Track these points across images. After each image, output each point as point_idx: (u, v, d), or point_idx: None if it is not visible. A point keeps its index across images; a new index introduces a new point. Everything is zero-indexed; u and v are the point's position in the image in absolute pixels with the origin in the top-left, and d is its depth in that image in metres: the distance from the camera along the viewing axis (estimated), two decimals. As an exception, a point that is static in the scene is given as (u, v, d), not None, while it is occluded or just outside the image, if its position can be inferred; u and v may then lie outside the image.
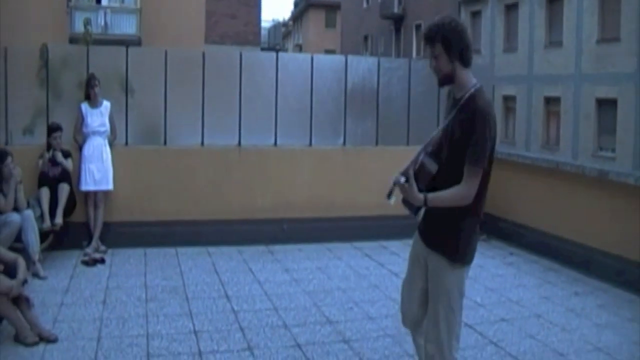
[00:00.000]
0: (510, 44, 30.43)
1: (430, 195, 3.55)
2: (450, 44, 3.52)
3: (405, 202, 3.65)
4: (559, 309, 6.51)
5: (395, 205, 3.66)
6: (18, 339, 5.38)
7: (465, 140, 3.49)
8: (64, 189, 7.80)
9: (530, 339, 5.70)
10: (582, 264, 7.71)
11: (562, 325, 6.07)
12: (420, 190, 3.56)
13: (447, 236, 3.65)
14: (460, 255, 3.68)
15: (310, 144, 9.22)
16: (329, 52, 47.89)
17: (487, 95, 3.58)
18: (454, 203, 3.54)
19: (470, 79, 3.60)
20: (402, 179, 3.58)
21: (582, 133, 23.87)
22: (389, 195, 3.60)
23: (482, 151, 3.46)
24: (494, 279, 7.46)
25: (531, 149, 24.58)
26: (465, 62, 3.58)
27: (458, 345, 3.77)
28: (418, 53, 39.76)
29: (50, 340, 5.41)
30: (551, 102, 26.58)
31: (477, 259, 8.31)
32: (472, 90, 3.57)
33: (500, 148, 9.20)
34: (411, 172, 3.58)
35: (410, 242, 4.05)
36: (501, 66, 27.97)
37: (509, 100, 29.21)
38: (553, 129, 26.44)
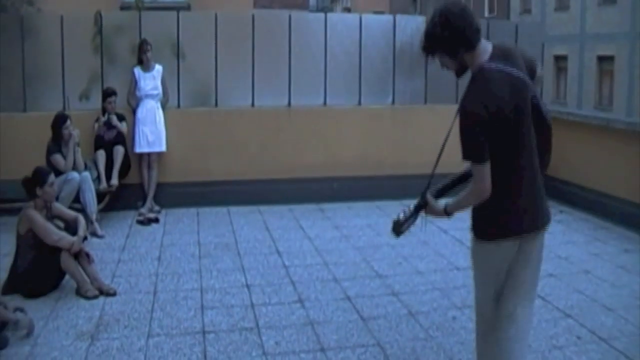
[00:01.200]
0: (561, 2, 29.70)
1: (450, 203, 3.48)
2: (447, 47, 3.31)
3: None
4: (608, 266, 6.49)
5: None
6: (79, 293, 5.63)
7: None
8: (119, 151, 8.02)
9: (578, 294, 5.71)
10: (633, 222, 7.63)
11: (611, 281, 6.05)
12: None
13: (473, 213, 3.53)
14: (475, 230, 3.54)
15: (360, 103, 9.27)
16: (377, 13, 47.33)
17: (486, 74, 3.26)
18: (472, 202, 3.40)
19: (477, 59, 3.32)
20: (401, 215, 3.60)
21: (637, 92, 23.34)
22: (397, 231, 3.64)
23: (464, 146, 3.24)
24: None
25: (583, 109, 24.13)
26: (469, 46, 3.29)
27: (479, 318, 3.68)
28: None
29: (109, 293, 5.64)
30: (604, 61, 26.02)
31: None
32: (471, 75, 3.36)
33: (552, 107, 9.10)
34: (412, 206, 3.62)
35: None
36: (552, 25, 27.41)
37: (560, 60, 28.66)
38: (606, 89, 25.91)
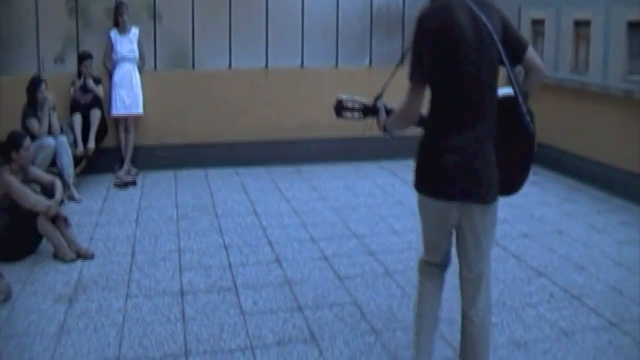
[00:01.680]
0: (539, -36, 29.57)
1: (389, 119, 3.38)
2: None
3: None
4: (581, 226, 6.59)
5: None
6: (57, 256, 5.63)
7: None
8: (95, 115, 7.97)
9: (552, 253, 5.81)
10: (606, 183, 7.74)
11: (584, 240, 6.16)
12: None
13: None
14: (415, 180, 3.35)
15: (337, 64, 9.26)
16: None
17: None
18: (400, 123, 3.30)
19: None
20: (350, 101, 3.49)
21: (612, 56, 23.38)
22: (338, 112, 3.54)
23: (410, 62, 3.14)
24: (517, 197, 7.38)
25: (559, 72, 24.21)
26: None
27: (424, 255, 3.49)
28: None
29: (87, 257, 5.65)
30: (580, 25, 26.00)
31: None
32: None
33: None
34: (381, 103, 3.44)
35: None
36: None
37: (537, 23, 28.59)
38: (582, 52, 25.96)
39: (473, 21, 3.08)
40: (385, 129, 3.39)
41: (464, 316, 3.41)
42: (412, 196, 6.81)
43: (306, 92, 9.05)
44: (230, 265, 5.50)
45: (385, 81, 3.46)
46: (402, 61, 3.39)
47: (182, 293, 4.95)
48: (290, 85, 9.02)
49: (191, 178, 8.31)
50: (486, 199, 3.20)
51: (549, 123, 8.80)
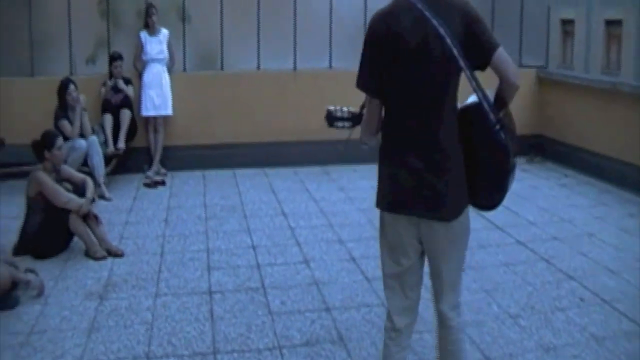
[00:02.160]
0: (569, -38, 29.32)
1: None
2: None
3: None
4: (612, 229, 6.51)
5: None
6: (88, 254, 5.71)
7: None
8: (126, 115, 8.07)
9: (582, 257, 5.75)
10: (638, 186, 7.65)
11: (615, 244, 6.08)
12: None
13: None
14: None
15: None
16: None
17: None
18: (364, 132, 3.16)
19: None
20: (338, 111, 3.42)
21: (645, 57, 23.20)
22: (329, 122, 3.43)
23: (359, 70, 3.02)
24: (547, 199, 7.50)
25: (590, 73, 24.00)
26: None
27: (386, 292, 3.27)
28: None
29: (117, 255, 5.73)
30: (611, 25, 25.76)
31: (531, 180, 8.35)
32: None
33: (558, 71, 9.04)
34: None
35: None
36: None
37: (567, 23, 28.39)
38: (613, 53, 25.72)
39: (421, 25, 2.82)
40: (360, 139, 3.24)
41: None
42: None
43: (333, 94, 8.97)
44: (258, 265, 5.53)
45: None
46: None
47: (210, 292, 4.99)
48: (318, 86, 9.01)
49: (219, 178, 8.36)
50: (446, 216, 2.97)
51: (580, 124, 8.75)
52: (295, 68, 9.04)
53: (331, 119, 3.44)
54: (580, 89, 8.86)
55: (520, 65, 9.27)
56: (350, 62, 9.10)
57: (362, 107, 3.21)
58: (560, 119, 9.22)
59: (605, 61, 25.60)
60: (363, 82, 3.00)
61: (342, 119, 3.43)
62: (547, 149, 9.38)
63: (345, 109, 3.42)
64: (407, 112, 2.95)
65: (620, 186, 7.91)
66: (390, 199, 3.07)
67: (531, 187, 7.94)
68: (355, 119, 3.37)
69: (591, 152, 8.56)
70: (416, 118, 2.92)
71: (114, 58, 8.19)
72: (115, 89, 8.14)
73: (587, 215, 6.98)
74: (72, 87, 7.42)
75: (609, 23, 25.66)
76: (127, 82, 8.24)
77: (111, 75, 8.19)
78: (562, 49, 27.97)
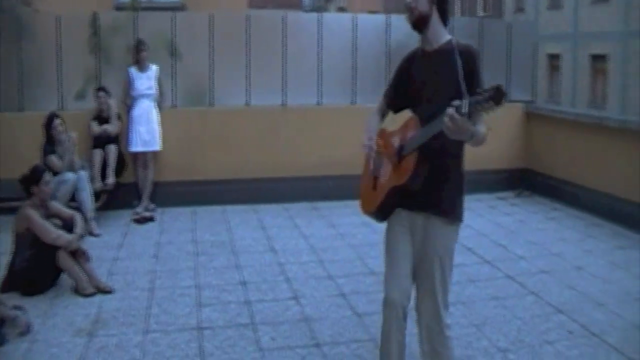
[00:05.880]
0: (555, 0, 29.75)
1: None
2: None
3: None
4: (601, 262, 6.54)
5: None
6: (77, 290, 5.67)
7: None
8: (111, 150, 8.06)
9: (570, 290, 5.77)
10: (627, 219, 7.68)
11: (604, 277, 6.10)
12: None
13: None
14: (459, 212, 3.54)
15: (354, 102, 9.33)
16: (372, 13, 47.21)
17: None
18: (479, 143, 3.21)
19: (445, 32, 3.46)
20: (460, 105, 2.95)
21: (630, 90, 23.46)
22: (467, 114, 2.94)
23: None
24: (535, 233, 7.52)
25: (576, 107, 24.25)
26: (443, 15, 3.44)
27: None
28: (463, 13, 39.18)
29: (106, 291, 5.69)
30: (597, 59, 26.10)
31: (520, 214, 8.37)
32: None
33: (545, 105, 9.09)
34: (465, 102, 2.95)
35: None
36: (546, 24, 27.51)
37: (553, 58, 28.76)
38: (599, 87, 26.03)
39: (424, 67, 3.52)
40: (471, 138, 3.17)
41: None
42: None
43: (323, 130, 9.11)
44: (248, 301, 5.51)
45: (402, 119, 3.66)
46: None
47: (200, 329, 4.96)
48: (308, 123, 9.08)
49: (209, 214, 8.35)
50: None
51: (568, 158, 8.82)
52: (284, 104, 9.10)
53: (461, 112, 2.95)
54: (568, 123, 8.94)
55: (509, 100, 9.36)
56: (338, 98, 9.28)
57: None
58: (548, 153, 9.30)
59: (591, 95, 25.91)
60: (385, 92, 3.84)
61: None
62: (535, 183, 9.45)
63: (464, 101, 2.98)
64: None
65: (608, 219, 7.95)
66: None
67: (520, 221, 7.97)
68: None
69: (579, 185, 8.62)
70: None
71: (97, 89, 8.24)
72: (100, 119, 8.15)
73: (576, 248, 7.00)
74: (57, 121, 7.45)
75: (595, 58, 26.03)
76: (106, 120, 8.21)
77: (98, 109, 8.20)
78: (549, 83, 28.30)
